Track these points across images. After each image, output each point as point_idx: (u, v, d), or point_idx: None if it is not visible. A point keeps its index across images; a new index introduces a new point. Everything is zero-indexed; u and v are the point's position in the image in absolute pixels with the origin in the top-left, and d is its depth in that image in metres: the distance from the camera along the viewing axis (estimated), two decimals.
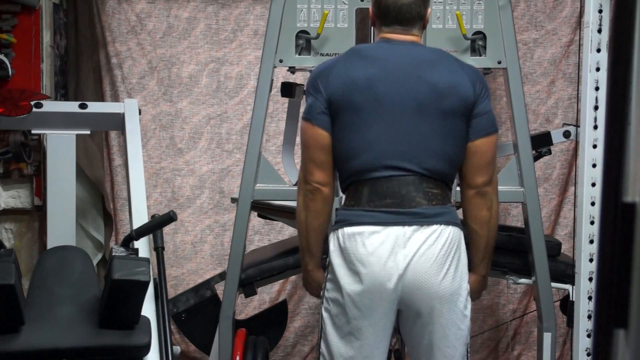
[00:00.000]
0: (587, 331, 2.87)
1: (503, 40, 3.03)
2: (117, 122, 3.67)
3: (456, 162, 2.51)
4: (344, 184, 2.54)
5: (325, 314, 2.50)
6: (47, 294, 2.79)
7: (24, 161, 3.95)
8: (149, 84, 4.36)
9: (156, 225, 3.06)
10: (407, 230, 2.40)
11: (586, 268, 2.84)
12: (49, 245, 3.60)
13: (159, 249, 3.19)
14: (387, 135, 2.44)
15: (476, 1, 3.04)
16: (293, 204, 2.66)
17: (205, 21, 4.35)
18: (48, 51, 4.07)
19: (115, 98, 4.32)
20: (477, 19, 3.04)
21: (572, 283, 2.98)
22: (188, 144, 4.38)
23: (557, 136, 3.63)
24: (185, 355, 4.29)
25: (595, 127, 2.81)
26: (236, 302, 3.17)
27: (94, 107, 3.70)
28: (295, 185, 3.02)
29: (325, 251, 2.58)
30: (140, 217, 3.23)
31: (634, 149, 1.15)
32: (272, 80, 3.09)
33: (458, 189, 2.84)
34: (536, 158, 3.44)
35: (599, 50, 2.78)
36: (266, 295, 4.35)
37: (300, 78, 3.98)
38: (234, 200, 3.33)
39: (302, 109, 2.57)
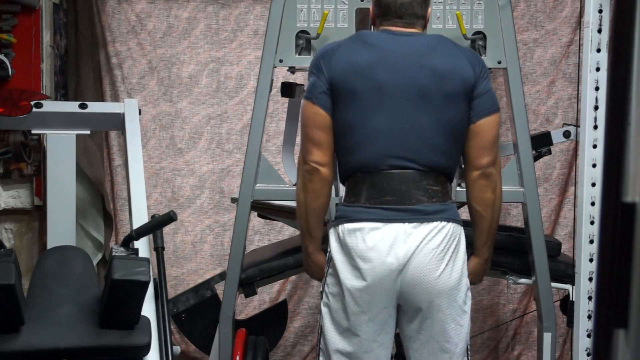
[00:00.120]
0: (587, 331, 2.87)
1: (503, 40, 3.03)
2: (117, 122, 3.67)
3: (455, 157, 2.53)
4: (344, 176, 2.55)
5: (324, 309, 2.50)
6: (47, 294, 2.79)
7: (24, 161, 3.95)
8: (149, 84, 4.36)
9: (156, 225, 3.06)
10: (408, 226, 2.41)
11: (586, 268, 2.84)
12: (49, 245, 3.60)
13: (159, 249, 3.19)
14: (388, 128, 2.44)
15: (476, 1, 3.04)
16: (293, 204, 2.66)
17: (205, 21, 4.35)
18: (48, 51, 4.07)
19: (115, 98, 4.31)
20: (477, 19, 3.04)
21: (572, 283, 2.98)
22: (188, 144, 4.38)
23: (557, 136, 3.63)
24: (185, 355, 4.29)
25: (595, 127, 2.81)
26: (236, 302, 3.17)
27: (94, 107, 3.70)
28: (295, 185, 3.02)
29: (326, 244, 2.58)
30: (140, 217, 3.23)
31: (634, 149, 1.15)
32: (272, 80, 3.09)
33: (458, 188, 2.84)
34: (536, 158, 3.44)
35: (599, 50, 2.78)
36: (266, 295, 4.35)
37: (300, 78, 3.98)
38: (234, 200, 3.33)
39: (305, 90, 2.57)
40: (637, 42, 1.15)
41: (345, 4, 3.05)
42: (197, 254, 4.38)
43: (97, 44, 4.33)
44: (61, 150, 3.68)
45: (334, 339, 2.49)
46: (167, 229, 3.88)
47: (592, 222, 2.82)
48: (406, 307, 2.47)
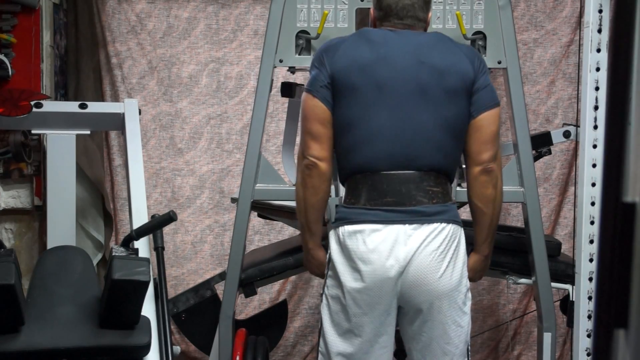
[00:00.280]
0: (587, 331, 2.87)
1: (503, 40, 3.03)
2: (117, 122, 3.67)
3: (456, 157, 2.53)
4: (344, 176, 2.54)
5: (324, 311, 2.50)
6: (47, 294, 2.79)
7: (24, 161, 3.95)
8: (149, 84, 4.36)
9: (156, 225, 3.06)
10: (408, 228, 2.40)
11: (586, 268, 2.84)
12: (49, 245, 3.60)
13: (159, 249, 3.19)
14: (389, 128, 2.44)
15: (476, 1, 3.04)
16: (293, 204, 2.66)
17: (205, 21, 4.35)
18: (48, 51, 4.07)
19: (115, 98, 4.32)
20: (477, 19, 3.04)
21: (572, 283, 2.98)
22: (188, 144, 4.38)
23: (557, 136, 3.63)
24: (185, 355, 4.29)
25: (595, 127, 2.81)
26: (236, 302, 3.17)
27: (94, 107, 3.70)
28: (294, 185, 3.02)
29: (326, 246, 2.58)
30: (140, 217, 3.23)
31: (634, 149, 1.15)
32: (272, 80, 3.09)
33: (458, 188, 2.84)
34: (536, 158, 3.44)
35: (599, 50, 2.78)
36: (266, 295, 4.35)
37: (300, 78, 3.98)
38: (234, 200, 3.33)
39: (306, 83, 2.57)
40: (637, 42, 1.15)
41: (345, 4, 3.05)
42: (197, 254, 4.38)
43: (97, 44, 4.34)
44: (61, 150, 3.68)
45: (335, 341, 2.48)
46: (167, 229, 3.88)
47: (592, 222, 2.82)
48: (407, 308, 2.47)
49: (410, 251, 2.39)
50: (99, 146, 4.33)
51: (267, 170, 3.09)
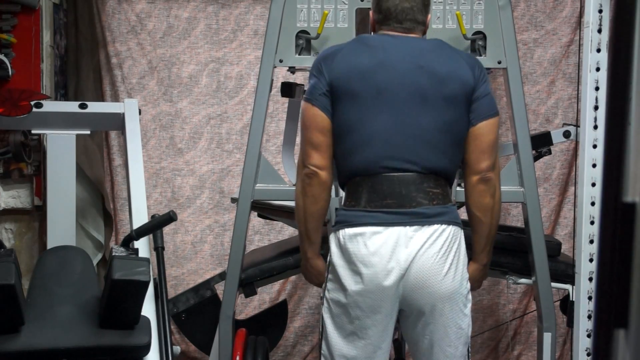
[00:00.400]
0: (587, 331, 2.87)
1: (503, 40, 3.03)
2: (117, 122, 3.67)
3: (456, 159, 2.52)
4: (343, 180, 2.54)
5: (326, 315, 2.49)
6: (47, 294, 2.79)
7: (24, 161, 3.95)
8: (149, 84, 4.36)
9: (156, 225, 3.06)
10: (409, 230, 2.40)
11: (586, 268, 2.84)
12: (49, 245, 3.60)
13: (159, 249, 3.19)
14: (388, 130, 2.44)
15: (476, 1, 3.04)
16: (293, 204, 2.66)
17: (205, 21, 4.35)
18: (48, 51, 4.07)
19: (115, 98, 4.32)
20: (477, 19, 3.04)
21: (572, 283, 2.98)
22: (188, 144, 4.38)
23: (557, 136, 3.63)
24: (185, 355, 4.29)
25: (595, 127, 2.81)
26: (236, 302, 3.17)
27: (94, 107, 3.70)
28: (294, 185, 3.02)
29: (326, 249, 2.58)
30: (140, 217, 3.23)
31: (634, 149, 1.15)
32: (272, 80, 3.09)
33: (458, 188, 2.84)
34: (536, 158, 3.44)
35: (599, 50, 2.78)
36: (266, 295, 4.35)
37: (300, 78, 3.98)
38: (234, 200, 3.33)
39: (305, 92, 2.57)
40: (637, 42, 1.15)
41: (345, 4, 3.05)
42: (197, 254, 4.38)
43: (97, 44, 4.34)
44: (61, 150, 3.68)
45: (338, 344, 2.48)
46: (167, 229, 3.88)
47: (592, 222, 2.82)
48: (408, 311, 2.46)
49: (412, 253, 2.38)
50: (99, 146, 4.33)
51: (267, 170, 3.09)
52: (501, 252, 3.18)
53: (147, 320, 2.77)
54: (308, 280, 2.70)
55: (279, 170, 3.33)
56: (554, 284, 3.12)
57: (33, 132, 3.77)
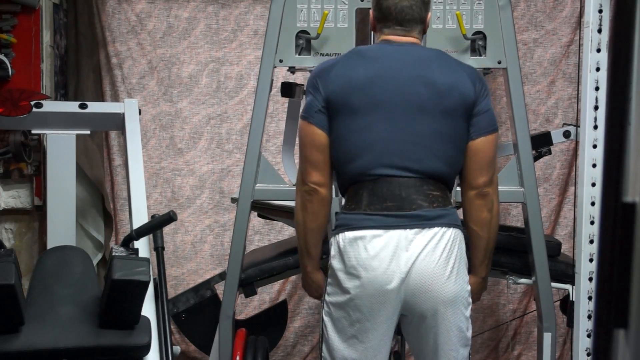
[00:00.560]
0: (587, 331, 2.87)
1: (503, 40, 3.03)
2: (117, 122, 3.67)
3: (456, 164, 2.51)
4: (344, 187, 2.53)
5: (326, 318, 2.49)
6: (47, 294, 2.79)
7: (24, 161, 3.95)
8: (149, 84, 4.36)
9: (156, 225, 3.06)
10: (409, 233, 2.39)
11: (586, 268, 2.84)
12: (49, 245, 3.61)
13: (159, 249, 3.19)
14: (387, 137, 2.43)
15: (476, 1, 3.04)
16: (293, 204, 2.66)
17: (205, 21, 4.35)
18: (48, 51, 4.07)
19: (115, 98, 4.32)
20: (477, 19, 3.04)
21: (572, 283, 2.98)
22: (188, 144, 4.38)
23: (557, 136, 3.63)
24: (185, 355, 4.29)
25: (595, 127, 2.81)
26: (236, 302, 3.17)
27: (94, 107, 3.70)
28: (294, 185, 3.02)
29: (326, 252, 2.57)
30: (140, 217, 3.23)
31: (634, 149, 1.15)
32: (272, 80, 3.09)
33: (458, 189, 2.84)
34: (536, 158, 3.44)
35: (599, 50, 2.78)
36: (266, 295, 4.35)
37: (300, 78, 3.98)
38: (234, 200, 3.33)
39: (302, 109, 2.57)
40: (637, 42, 1.15)
41: (345, 4, 3.05)
42: (197, 254, 4.38)
43: (97, 44, 4.34)
44: (61, 150, 3.68)
45: (339, 347, 2.47)
46: (167, 229, 3.88)
47: (592, 222, 2.82)
48: (411, 315, 2.45)
49: (412, 257, 2.38)
50: (99, 146, 4.33)
51: (267, 170, 3.09)
52: (501, 252, 3.18)
53: (147, 320, 2.77)
54: (308, 293, 2.70)
55: (279, 170, 3.33)
56: (554, 284, 3.12)
57: (33, 132, 3.77)
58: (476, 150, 2.49)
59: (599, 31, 2.77)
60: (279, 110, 4.25)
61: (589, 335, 2.86)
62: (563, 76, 4.32)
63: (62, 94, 4.26)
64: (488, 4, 3.03)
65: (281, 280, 4.20)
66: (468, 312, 2.48)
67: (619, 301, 1.14)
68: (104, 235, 4.34)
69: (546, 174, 4.31)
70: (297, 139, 3.42)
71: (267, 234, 4.37)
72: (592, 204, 2.82)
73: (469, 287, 2.48)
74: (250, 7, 4.35)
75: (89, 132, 3.77)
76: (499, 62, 3.04)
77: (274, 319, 3.98)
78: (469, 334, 2.51)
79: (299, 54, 3.06)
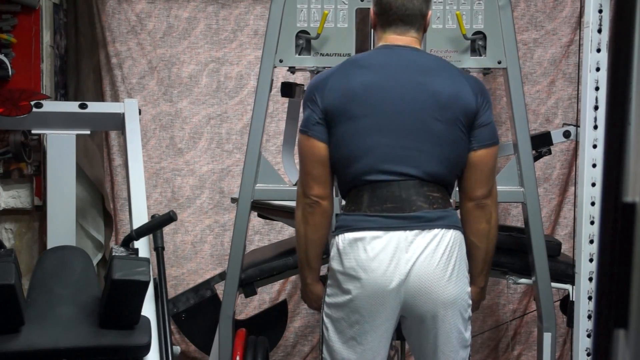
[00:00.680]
0: (587, 331, 2.87)
1: (503, 40, 3.03)
2: (117, 122, 3.67)
3: (456, 167, 2.49)
4: (344, 190, 2.52)
5: (326, 320, 2.48)
6: (47, 294, 2.79)
7: (24, 161, 3.95)
8: (149, 84, 4.36)
9: (156, 225, 3.06)
10: (409, 234, 2.38)
11: (586, 268, 2.84)
12: (49, 245, 3.60)
13: (159, 249, 3.19)
14: (387, 140, 2.42)
15: (476, 1, 3.04)
16: (293, 203, 2.66)
17: (205, 21, 4.35)
18: (48, 51, 4.07)
19: (115, 98, 4.32)
20: (477, 19, 3.04)
21: (572, 283, 2.98)
22: (188, 144, 4.38)
23: (557, 136, 3.63)
24: (185, 355, 4.29)
25: (595, 127, 2.81)
26: (236, 302, 3.17)
27: (94, 107, 3.70)
28: (295, 185, 3.02)
29: (326, 253, 2.57)
30: (140, 217, 3.23)
31: (634, 149, 1.15)
32: (272, 80, 3.09)
33: (458, 189, 2.84)
34: (536, 158, 3.44)
35: (599, 50, 2.78)
36: (266, 295, 4.35)
37: (300, 78, 3.98)
38: (234, 200, 3.33)
39: (302, 109, 2.57)
40: (637, 42, 1.15)
41: (345, 4, 3.05)
42: (197, 254, 4.38)
43: (97, 44, 4.34)
44: (61, 150, 3.68)
45: (339, 349, 2.46)
46: (167, 229, 3.88)
47: (592, 222, 2.82)
48: (410, 317, 2.45)
49: (412, 258, 2.37)
50: (99, 146, 4.33)
51: (267, 170, 3.09)
52: (501, 252, 3.18)
53: (147, 320, 2.77)
54: (307, 304, 2.69)
55: (279, 170, 3.33)
56: (554, 284, 3.12)
57: (33, 132, 3.77)
58: (476, 162, 2.49)
59: (599, 31, 2.77)
60: (279, 110, 4.25)
61: (589, 335, 2.86)
62: (563, 76, 4.32)
63: (62, 94, 4.26)
64: (488, 4, 3.03)
65: (281, 280, 4.20)
66: (468, 315, 2.48)
67: (619, 301, 1.14)
68: (104, 235, 4.34)
69: (546, 174, 4.31)
70: (297, 140, 3.42)
71: (267, 234, 4.37)
72: (592, 204, 2.82)
73: (469, 289, 2.48)
74: (250, 7, 4.35)
75: (89, 132, 3.77)
76: (499, 62, 3.04)
77: (274, 319, 3.98)
78: (469, 335, 2.50)
79: (299, 54, 3.06)
